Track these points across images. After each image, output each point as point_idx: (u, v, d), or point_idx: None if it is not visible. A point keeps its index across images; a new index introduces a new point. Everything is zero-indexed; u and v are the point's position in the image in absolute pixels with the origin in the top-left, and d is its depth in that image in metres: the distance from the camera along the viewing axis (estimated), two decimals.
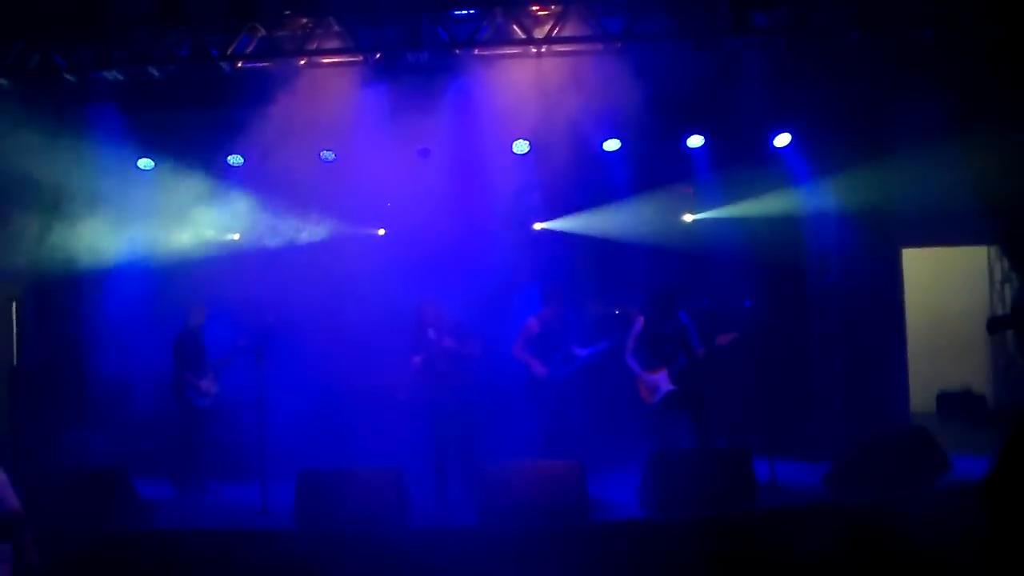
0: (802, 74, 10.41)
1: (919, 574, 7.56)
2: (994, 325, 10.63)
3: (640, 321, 10.00)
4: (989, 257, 13.52)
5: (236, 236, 12.05)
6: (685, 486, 8.64)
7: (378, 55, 10.27)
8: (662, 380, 9.82)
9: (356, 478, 8.60)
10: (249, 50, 10.20)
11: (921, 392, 12.10)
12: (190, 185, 11.34)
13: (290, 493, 8.70)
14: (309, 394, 10.78)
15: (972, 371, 13.26)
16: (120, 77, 10.60)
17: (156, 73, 10.47)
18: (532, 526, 8.23)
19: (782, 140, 11.05)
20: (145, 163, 11.45)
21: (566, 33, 9.98)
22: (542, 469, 8.77)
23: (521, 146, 11.03)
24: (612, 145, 11.14)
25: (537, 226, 11.92)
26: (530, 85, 10.28)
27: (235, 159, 11.26)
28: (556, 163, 10.97)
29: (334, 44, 10.21)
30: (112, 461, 10.89)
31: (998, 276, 13.39)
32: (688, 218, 11.96)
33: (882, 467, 8.90)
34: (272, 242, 11.58)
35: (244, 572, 7.96)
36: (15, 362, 13.24)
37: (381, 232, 11.97)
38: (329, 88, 10.46)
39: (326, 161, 11.23)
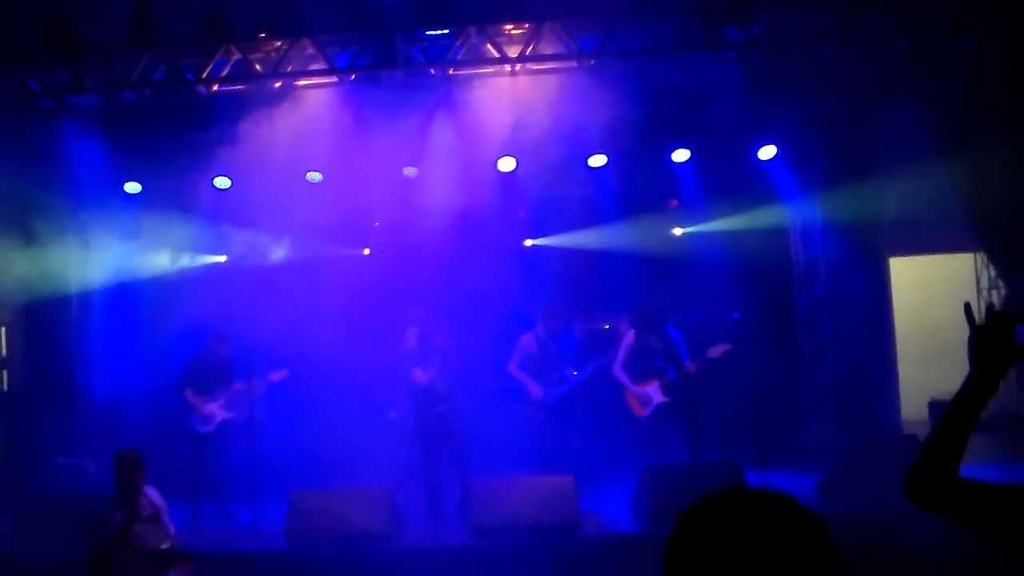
0: (784, 87, 10.44)
1: None
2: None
3: (630, 335, 10.02)
4: (976, 264, 13.57)
5: (222, 258, 12.04)
6: (678, 499, 8.54)
7: (353, 76, 10.29)
8: (653, 392, 9.83)
9: (347, 497, 8.58)
10: (224, 73, 10.19)
11: (912, 400, 12.10)
12: (174, 208, 11.36)
13: (281, 514, 8.67)
14: (298, 415, 10.77)
15: (962, 378, 13.23)
16: (96, 102, 10.62)
17: (132, 97, 10.48)
18: (524, 542, 8.21)
19: (767, 152, 11.10)
20: (132, 187, 11.45)
21: (540, 51, 10.00)
22: (534, 484, 8.76)
23: (507, 163, 11.05)
24: (598, 161, 11.16)
25: (527, 243, 11.95)
26: (513, 103, 10.30)
27: (221, 181, 11.26)
28: (542, 180, 11.01)
29: (309, 66, 10.22)
30: (103, 486, 10.85)
31: (984, 283, 13.44)
32: (676, 232, 12.00)
33: (875, 475, 8.89)
34: (258, 263, 11.57)
35: None
36: (5, 388, 13.23)
37: (366, 252, 11.98)
38: (311, 109, 10.48)
39: (311, 182, 11.22)
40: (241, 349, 10.42)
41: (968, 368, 2.49)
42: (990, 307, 2.51)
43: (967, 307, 2.57)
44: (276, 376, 10.10)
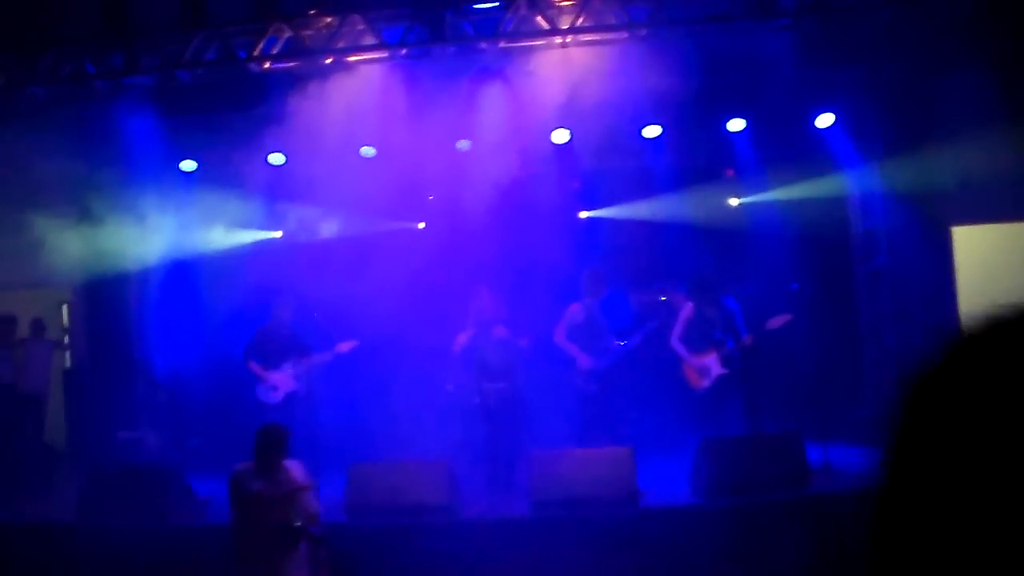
0: (842, 54, 10.25)
1: None
2: None
3: (688, 307, 9.96)
4: None
5: (278, 233, 12.12)
6: (736, 472, 8.57)
7: (404, 51, 10.28)
8: (712, 364, 9.77)
9: (407, 470, 8.62)
10: (276, 51, 10.24)
11: None
12: (229, 184, 11.45)
13: (340, 486, 8.74)
14: (356, 388, 10.83)
15: None
16: (150, 82, 10.72)
17: (186, 76, 10.57)
18: (582, 515, 8.20)
19: (825, 120, 10.91)
20: (187, 165, 11.56)
21: (591, 22, 9.91)
22: (593, 457, 8.74)
23: (561, 135, 10.97)
24: (652, 131, 11.04)
25: (581, 215, 11.88)
26: (565, 74, 10.22)
27: (275, 157, 11.32)
28: (596, 151, 10.93)
29: (359, 42, 10.22)
30: (165, 458, 11.03)
31: None
32: (732, 202, 11.87)
33: None
34: (313, 238, 11.63)
35: None
36: (67, 364, 13.46)
37: (421, 226, 11.99)
38: (364, 85, 10.49)
39: (365, 157, 11.24)
40: (304, 321, 10.50)
41: None
42: None
43: None
44: (345, 347, 10.16)
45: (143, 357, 12.28)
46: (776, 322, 9.59)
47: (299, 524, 6.03)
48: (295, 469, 6.36)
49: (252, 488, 6.09)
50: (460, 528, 8.30)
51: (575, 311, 10.12)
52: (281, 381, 10.41)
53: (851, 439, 10.32)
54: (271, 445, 6.24)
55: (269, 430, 6.32)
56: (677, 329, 9.95)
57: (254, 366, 10.46)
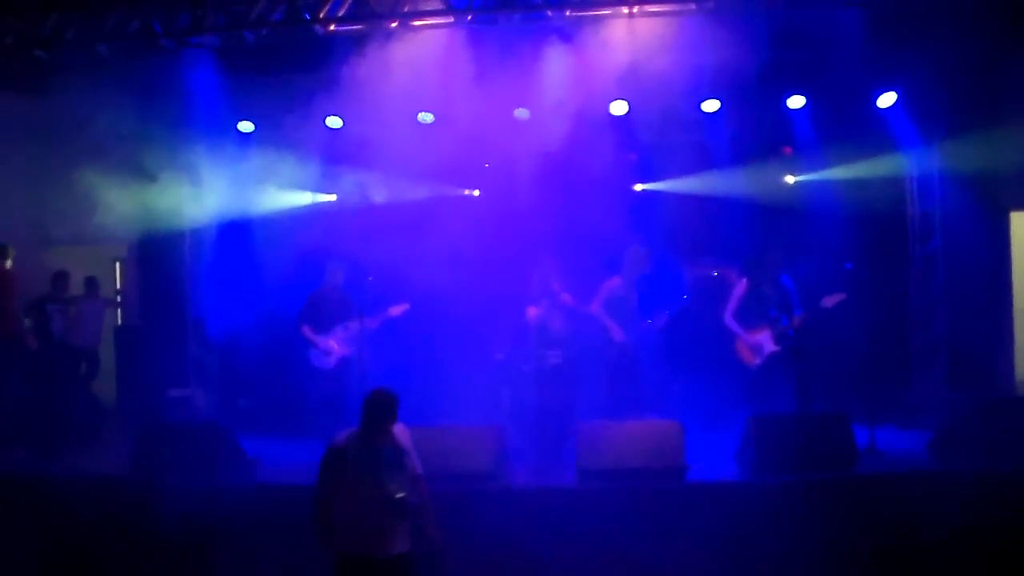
0: (909, 32, 10.11)
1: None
2: None
3: (743, 283, 9.93)
4: None
5: (333, 197, 12.17)
6: (784, 450, 8.56)
7: (469, 17, 10.26)
8: (766, 340, 9.77)
9: (456, 435, 8.66)
10: (341, 13, 10.26)
11: None
12: (286, 146, 11.50)
13: None
14: (407, 353, 10.88)
15: None
16: (215, 42, 10.79)
17: (250, 37, 10.62)
18: (630, 486, 8.23)
19: (886, 100, 10.77)
20: (245, 126, 11.61)
21: None
22: (642, 429, 8.75)
23: (619, 107, 10.92)
24: (711, 106, 10.96)
25: (637, 187, 11.82)
26: (628, 45, 10.16)
27: (333, 120, 11.35)
28: (655, 124, 10.88)
29: (426, 6, 10.21)
30: (214, 417, 11.16)
31: None
32: (789, 179, 11.76)
33: (987, 436, 8.68)
34: (370, 202, 11.67)
35: None
36: (119, 321, 13.64)
37: (476, 193, 12.00)
38: (424, 50, 10.49)
39: (423, 123, 11.24)
40: (356, 285, 10.55)
41: None
42: None
43: None
44: (396, 311, 10.20)
45: (195, 316, 12.40)
46: (831, 300, 9.54)
47: (402, 496, 5.65)
48: (402, 434, 5.96)
49: (356, 459, 5.72)
50: (507, 495, 8.34)
51: (615, 285, 10.16)
52: (334, 346, 10.48)
53: (898, 422, 10.30)
54: (382, 411, 5.77)
55: (379, 395, 5.82)
56: (731, 305, 9.95)
57: (307, 331, 10.53)
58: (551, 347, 9.81)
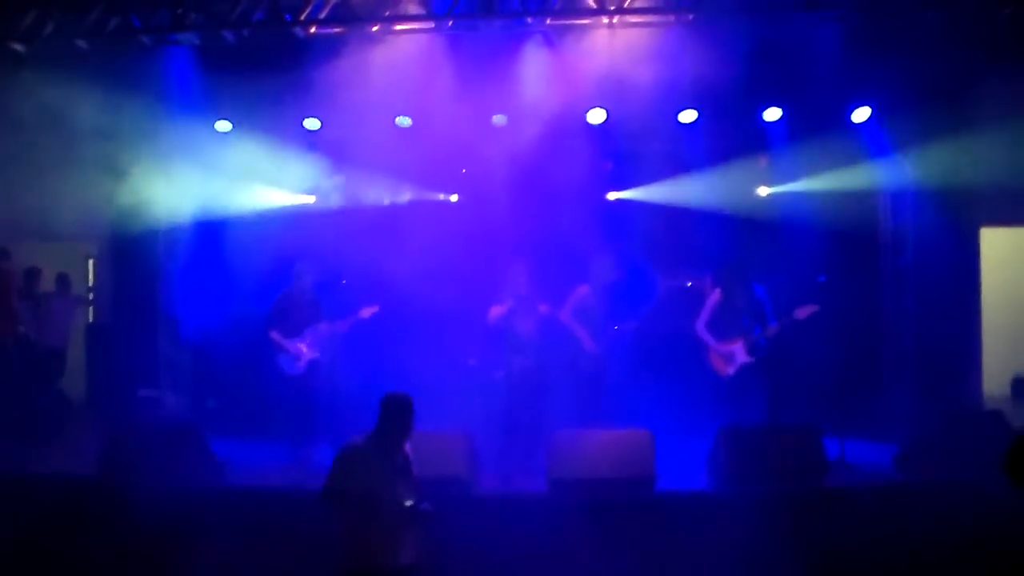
0: (883, 47, 10.19)
1: (990, 557, 7.48)
2: None
3: (716, 293, 9.98)
4: None
5: (311, 199, 12.14)
6: (754, 461, 8.60)
7: (450, 23, 10.27)
8: (738, 351, 9.81)
9: (426, 441, 8.61)
10: (323, 15, 10.25)
11: (996, 376, 11.86)
12: (265, 147, 11.46)
13: None
14: (379, 358, 10.86)
15: None
16: (195, 40, 10.75)
17: (230, 36, 10.59)
18: (600, 495, 8.24)
19: (861, 114, 10.87)
20: (223, 126, 11.55)
21: (638, 4, 9.89)
22: (613, 438, 8.77)
23: (597, 115, 10.96)
24: (688, 117, 11.02)
25: (613, 196, 11.84)
26: (607, 55, 10.21)
27: (311, 122, 11.33)
28: (631, 133, 10.91)
29: (407, 11, 10.21)
30: (184, 418, 11.10)
31: None
32: (764, 191, 11.82)
33: (955, 449, 8.76)
34: (346, 205, 11.64)
35: (311, 531, 8.06)
36: (90, 319, 13.55)
37: (454, 198, 11.99)
38: (404, 54, 10.49)
39: (402, 127, 11.24)
40: (327, 287, 10.50)
41: None
42: None
43: None
44: (366, 313, 10.15)
45: (168, 315, 12.32)
46: (803, 312, 9.59)
47: (411, 503, 5.58)
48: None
49: (375, 466, 5.59)
50: (476, 502, 8.33)
51: (584, 293, 10.20)
52: (304, 350, 10.38)
53: (868, 434, 10.36)
54: (399, 418, 5.66)
55: (396, 400, 5.68)
56: (703, 315, 9.98)
57: (276, 335, 10.41)
58: (519, 351, 9.80)
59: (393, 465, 5.61)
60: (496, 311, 9.92)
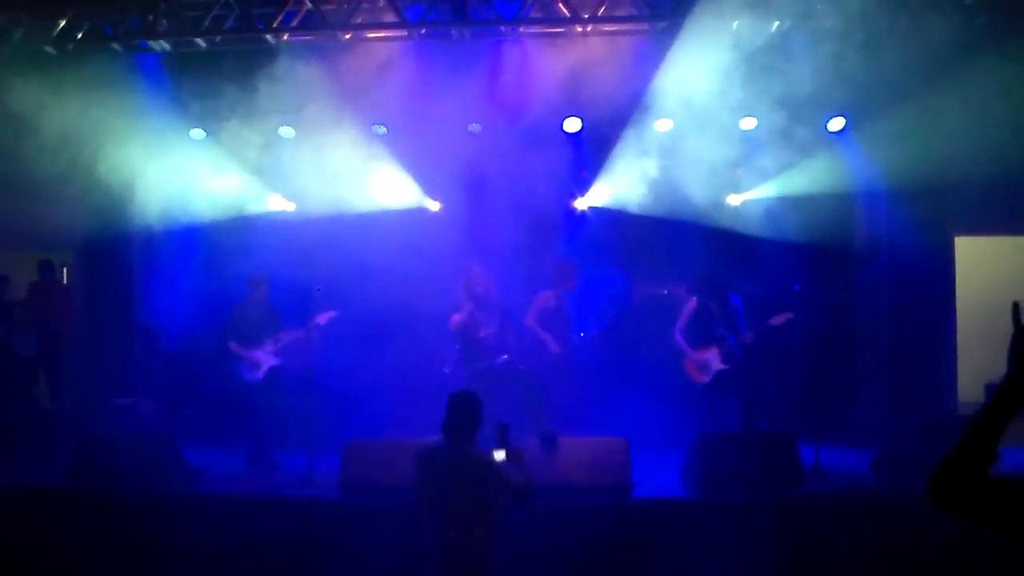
0: (858, 58, 10.22)
1: (964, 564, 7.50)
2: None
3: (692, 301, 9.99)
4: None
5: (291, 206, 12.08)
6: (729, 468, 8.60)
7: (423, 31, 10.26)
8: (712, 359, 9.82)
9: (401, 449, 8.58)
10: (294, 23, 10.23)
11: (970, 382, 11.92)
12: (238, 155, 11.40)
13: (335, 463, 8.75)
14: (355, 366, 10.81)
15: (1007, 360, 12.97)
16: (167, 47, 10.71)
17: (203, 44, 10.55)
18: (575, 503, 8.21)
19: (836, 124, 10.92)
20: (196, 133, 11.49)
21: (613, 12, 9.91)
22: (588, 446, 8.75)
23: (572, 124, 10.97)
24: (665, 125, 11.03)
25: (589, 204, 11.83)
26: (581, 63, 10.22)
27: (286, 131, 11.29)
28: (607, 142, 10.92)
29: (379, 18, 10.20)
30: (159, 426, 11.01)
31: None
32: (740, 199, 11.83)
33: (929, 456, 8.74)
34: (321, 212, 11.57)
35: (286, 539, 8.02)
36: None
37: (436, 207, 11.95)
38: (377, 62, 10.48)
39: (378, 135, 11.22)
40: (298, 294, 10.44)
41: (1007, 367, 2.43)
42: None
43: (1015, 307, 2.50)
44: (323, 319, 10.12)
45: (142, 323, 12.24)
46: (778, 320, 9.62)
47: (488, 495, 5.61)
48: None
49: (446, 461, 5.65)
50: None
51: (546, 298, 10.26)
52: (261, 358, 10.31)
53: (844, 441, 10.39)
54: (466, 414, 5.74)
55: (464, 398, 5.81)
56: (680, 323, 10.00)
57: (234, 346, 10.35)
58: (481, 357, 9.78)
59: (466, 461, 5.62)
60: (456, 319, 9.89)
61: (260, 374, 10.32)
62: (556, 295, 10.26)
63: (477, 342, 9.85)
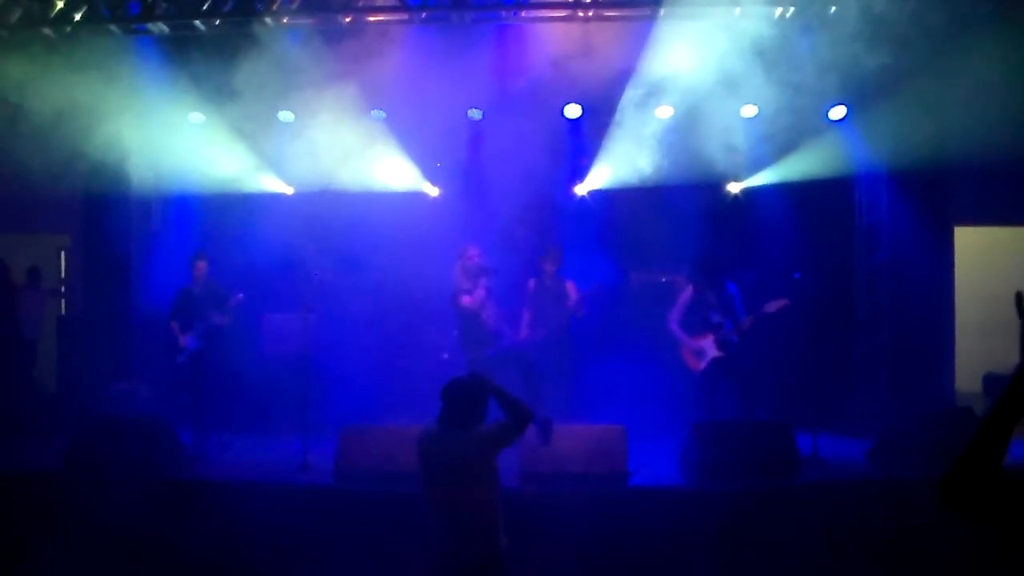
0: (859, 47, 10.17)
1: (961, 552, 7.50)
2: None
3: (689, 289, 9.97)
4: None
5: (289, 190, 12.04)
6: (727, 457, 8.59)
7: (424, 15, 10.22)
8: (708, 346, 9.80)
9: (397, 435, 8.57)
10: (294, 6, 10.19)
11: (968, 372, 11.92)
12: (238, 138, 11.36)
13: (331, 449, 8.73)
14: (353, 352, 10.80)
15: (1019, 353, 13.01)
16: (165, 30, 10.66)
17: (201, 27, 10.50)
18: (572, 491, 8.21)
19: (837, 113, 10.88)
20: (196, 117, 11.44)
21: None
22: (585, 433, 8.73)
23: (573, 110, 10.94)
24: (665, 112, 10.99)
25: (589, 190, 11.79)
26: (582, 48, 10.18)
27: (285, 115, 11.25)
28: (605, 128, 10.89)
29: (379, 2, 10.16)
30: (156, 411, 11.00)
31: None
32: (739, 187, 11.79)
33: (927, 445, 8.76)
34: (321, 197, 11.53)
35: (281, 524, 8.00)
36: (62, 312, 13.43)
37: (435, 193, 11.91)
38: (377, 45, 10.42)
39: (376, 119, 11.17)
40: (283, 278, 10.44)
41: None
42: None
43: (1019, 297, 2.47)
44: (234, 301, 10.24)
45: (141, 308, 12.19)
46: (773, 306, 9.58)
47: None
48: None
49: (437, 449, 5.44)
50: None
51: (530, 285, 10.29)
52: (186, 342, 10.42)
53: (842, 430, 10.38)
54: (463, 400, 5.42)
55: (461, 383, 5.48)
56: (676, 311, 9.97)
57: (173, 326, 10.48)
58: (486, 344, 9.74)
59: (464, 450, 5.37)
60: (468, 301, 9.80)
61: (184, 356, 10.43)
62: (539, 283, 10.25)
63: (480, 325, 9.78)
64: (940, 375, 11.39)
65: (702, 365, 9.86)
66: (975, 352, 12.11)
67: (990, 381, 12.88)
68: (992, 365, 12.65)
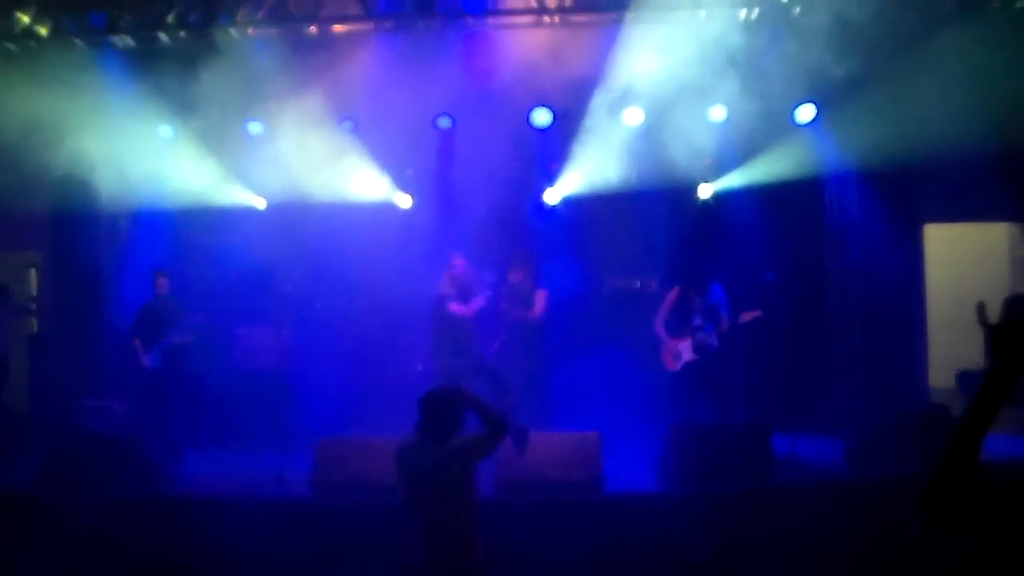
0: (829, 47, 10.23)
1: (938, 551, 7.52)
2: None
3: (674, 291, 10.00)
4: (1010, 235, 13.37)
5: (261, 202, 11.97)
6: (704, 460, 8.59)
7: (390, 23, 10.20)
8: (685, 348, 9.82)
9: (375, 447, 8.55)
10: (259, 16, 10.15)
11: (941, 370, 11.99)
12: (207, 151, 11.30)
13: (308, 462, 8.69)
14: (329, 364, 10.74)
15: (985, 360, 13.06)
16: (131, 44, 10.59)
17: (166, 39, 10.45)
18: (547, 498, 8.18)
19: (805, 113, 10.91)
20: (164, 131, 11.36)
21: (579, 3, 9.88)
22: (559, 440, 8.70)
23: (542, 116, 10.93)
24: (635, 116, 10.99)
25: (559, 196, 11.79)
26: (549, 54, 10.19)
27: (255, 127, 11.18)
28: (575, 133, 10.89)
29: (345, 11, 10.13)
30: (130, 428, 10.91)
31: (1019, 254, 13.25)
32: (709, 190, 11.81)
33: (902, 444, 8.81)
34: (292, 209, 11.48)
35: (259, 538, 7.94)
36: (34, 329, 13.30)
37: (408, 203, 11.85)
38: (345, 55, 10.40)
39: (344, 130, 11.13)
40: (255, 292, 10.41)
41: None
42: (1009, 300, 2.43)
43: (980, 308, 2.51)
44: (191, 321, 10.34)
45: (114, 324, 12.10)
46: (747, 316, 9.63)
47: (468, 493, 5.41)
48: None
49: (415, 461, 5.39)
50: None
51: (503, 293, 10.27)
52: (145, 360, 10.53)
53: (817, 431, 10.41)
54: (441, 411, 5.38)
55: (438, 395, 5.46)
56: (661, 313, 10.01)
57: (136, 343, 10.58)
58: (462, 352, 9.72)
59: (441, 462, 5.32)
60: (458, 309, 9.78)
61: (146, 375, 10.57)
62: (508, 288, 10.27)
63: (458, 334, 9.75)
64: (914, 373, 11.46)
65: (677, 367, 9.88)
66: (948, 349, 12.17)
67: (964, 378, 12.95)
68: (965, 362, 12.69)
